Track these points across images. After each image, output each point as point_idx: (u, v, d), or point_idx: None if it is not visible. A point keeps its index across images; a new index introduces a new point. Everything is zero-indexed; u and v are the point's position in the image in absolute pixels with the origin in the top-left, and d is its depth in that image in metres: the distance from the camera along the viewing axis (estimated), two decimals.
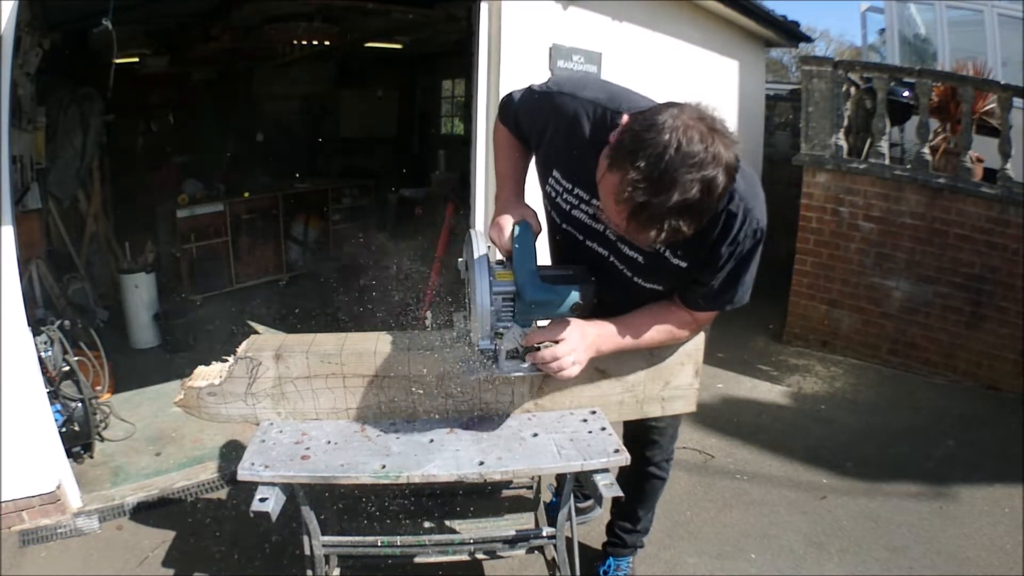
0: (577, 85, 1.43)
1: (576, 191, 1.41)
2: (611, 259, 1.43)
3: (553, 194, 1.47)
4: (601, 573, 2.13)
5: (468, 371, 1.43)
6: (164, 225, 5.17)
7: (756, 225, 1.32)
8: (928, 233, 3.97)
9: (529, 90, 1.55)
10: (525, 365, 1.38)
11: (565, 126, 1.39)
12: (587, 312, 1.38)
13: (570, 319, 1.36)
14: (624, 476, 1.66)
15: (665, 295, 1.47)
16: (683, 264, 1.37)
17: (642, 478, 1.96)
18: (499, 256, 1.42)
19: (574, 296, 1.34)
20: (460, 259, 1.45)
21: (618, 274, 1.44)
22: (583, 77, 1.32)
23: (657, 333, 1.48)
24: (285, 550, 2.17)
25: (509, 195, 1.53)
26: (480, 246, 1.35)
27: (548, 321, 1.38)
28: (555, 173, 1.45)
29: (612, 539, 2.14)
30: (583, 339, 1.37)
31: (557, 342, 1.34)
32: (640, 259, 1.39)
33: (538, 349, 1.36)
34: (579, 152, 1.34)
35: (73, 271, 4.09)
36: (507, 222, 1.40)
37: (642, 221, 1.10)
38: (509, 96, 1.61)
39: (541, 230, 1.45)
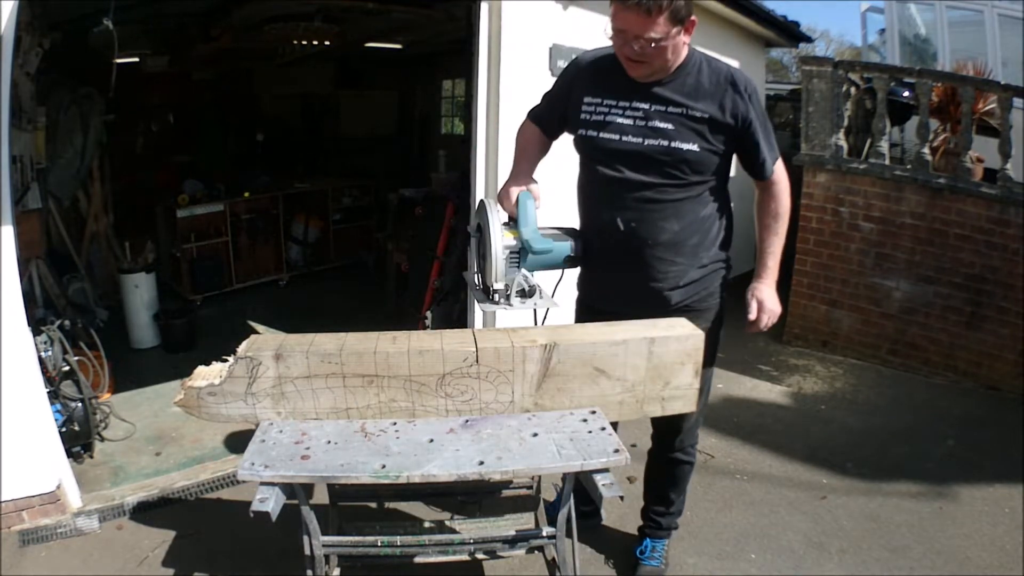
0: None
1: (606, 101, 1.75)
2: (646, 142, 1.70)
3: (588, 117, 1.77)
4: (638, 553, 2.21)
5: (486, 305, 1.69)
6: (164, 225, 5.18)
7: (750, 80, 1.72)
8: (928, 233, 3.96)
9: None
10: (528, 301, 1.68)
11: (585, 65, 1.82)
12: (578, 262, 1.80)
13: (756, 293, 1.84)
14: (655, 463, 2.17)
15: (700, 155, 1.70)
16: (705, 115, 1.67)
17: (671, 464, 2.11)
18: (504, 219, 1.72)
19: (567, 248, 1.74)
20: (471, 225, 1.77)
21: (657, 151, 1.69)
22: None
23: (778, 219, 1.86)
24: (285, 550, 2.17)
25: (519, 170, 1.85)
26: (493, 212, 1.65)
27: None
28: (585, 99, 1.78)
29: (648, 523, 2.24)
30: (759, 292, 1.85)
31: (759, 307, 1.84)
32: (671, 127, 1.68)
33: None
34: (602, 70, 1.77)
35: (73, 271, 4.09)
36: (514, 191, 1.75)
37: (640, 4, 1.51)
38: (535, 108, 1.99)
39: (540, 200, 1.76)
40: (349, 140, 7.69)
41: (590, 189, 1.84)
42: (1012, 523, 2.52)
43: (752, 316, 1.85)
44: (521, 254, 1.66)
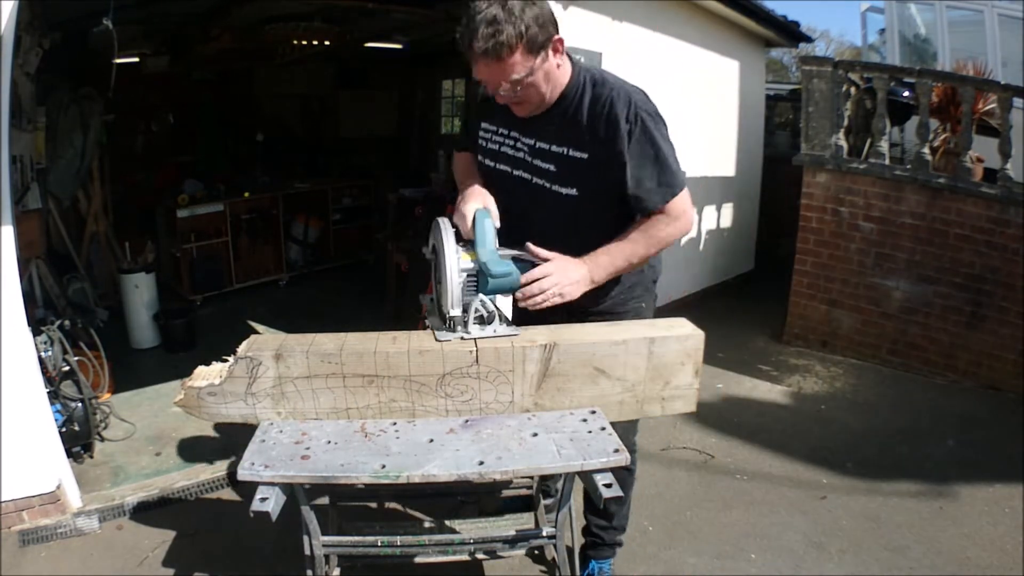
0: None
1: (500, 130, 1.70)
2: (534, 180, 1.65)
3: (484, 143, 1.74)
4: None
5: (443, 334, 1.56)
6: (164, 225, 5.18)
7: (640, 105, 1.53)
8: (928, 233, 3.97)
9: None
10: (488, 328, 1.56)
11: (483, 95, 1.65)
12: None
13: (556, 258, 1.58)
14: None
15: (584, 201, 1.61)
16: (584, 156, 1.57)
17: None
18: (462, 239, 1.60)
19: (527, 269, 1.58)
20: (426, 248, 1.67)
21: (542, 192, 1.64)
22: None
23: (644, 244, 1.62)
24: (285, 550, 2.17)
25: (471, 189, 1.70)
26: (447, 232, 1.56)
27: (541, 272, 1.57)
28: (483, 124, 1.74)
29: (590, 539, 2.11)
30: (565, 273, 1.57)
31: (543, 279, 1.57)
32: (552, 167, 1.61)
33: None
34: (492, 99, 1.62)
35: (73, 271, 4.09)
36: (469, 210, 1.59)
37: (487, 52, 1.40)
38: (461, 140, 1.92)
39: (498, 218, 1.62)
40: (349, 140, 7.69)
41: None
42: (1012, 523, 2.52)
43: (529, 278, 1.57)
44: (479, 277, 1.54)
